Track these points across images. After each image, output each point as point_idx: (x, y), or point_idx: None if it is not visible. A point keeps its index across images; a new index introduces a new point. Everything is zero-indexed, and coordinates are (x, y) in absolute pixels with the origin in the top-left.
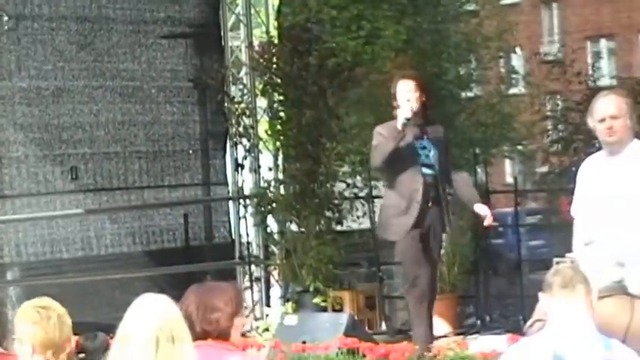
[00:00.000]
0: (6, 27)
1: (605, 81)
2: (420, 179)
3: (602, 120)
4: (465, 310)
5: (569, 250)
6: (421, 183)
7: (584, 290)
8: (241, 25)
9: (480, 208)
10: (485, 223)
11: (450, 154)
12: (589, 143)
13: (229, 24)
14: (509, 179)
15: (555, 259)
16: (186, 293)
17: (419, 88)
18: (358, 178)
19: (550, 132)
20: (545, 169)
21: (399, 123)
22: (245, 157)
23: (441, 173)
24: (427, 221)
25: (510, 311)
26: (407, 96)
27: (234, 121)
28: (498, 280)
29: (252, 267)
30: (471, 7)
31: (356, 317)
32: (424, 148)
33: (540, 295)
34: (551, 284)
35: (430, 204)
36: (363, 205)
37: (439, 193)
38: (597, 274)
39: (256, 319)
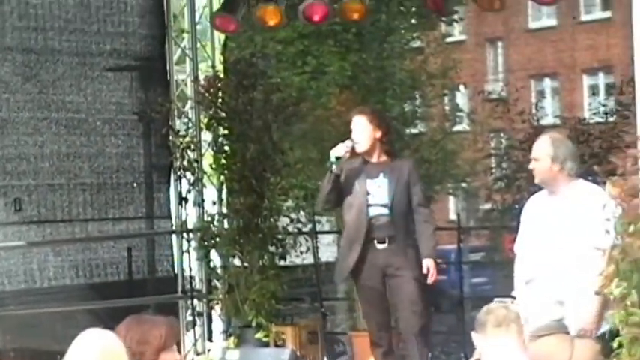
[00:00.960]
0: None
1: (548, 120)
2: (365, 219)
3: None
4: None
5: (512, 288)
6: (365, 223)
7: (517, 329)
8: (187, 59)
9: (427, 264)
10: (428, 281)
11: (417, 189)
12: (532, 182)
13: (175, 57)
14: (453, 216)
15: (496, 299)
16: (119, 325)
17: (373, 124)
18: (302, 213)
19: (493, 170)
20: (488, 206)
21: (329, 162)
22: (189, 191)
23: (395, 212)
24: (380, 262)
25: (452, 348)
26: (356, 133)
27: (178, 155)
28: (441, 316)
29: (195, 301)
30: (416, 44)
31: (298, 352)
32: (379, 187)
33: (473, 334)
34: (484, 323)
35: (384, 244)
36: (306, 240)
37: (396, 232)
38: (537, 313)
39: (198, 354)
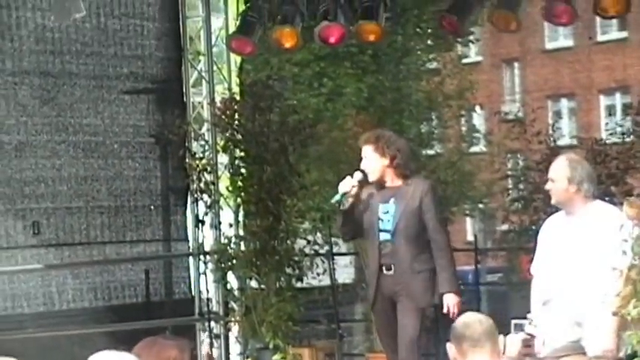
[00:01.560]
0: None
1: (565, 140)
2: (376, 247)
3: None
4: None
5: (529, 309)
6: (377, 251)
7: (491, 348)
8: (203, 82)
9: (446, 301)
10: (445, 311)
11: (431, 215)
12: (549, 202)
13: (191, 80)
14: (470, 237)
15: (513, 321)
16: (135, 347)
17: (378, 152)
18: (319, 235)
19: (510, 191)
20: (505, 227)
21: (335, 198)
22: (206, 214)
23: (399, 238)
24: (387, 289)
25: None
26: (364, 163)
27: (195, 177)
28: None
29: (212, 323)
30: (432, 65)
31: None
32: (386, 212)
33: (448, 345)
34: (460, 339)
35: (390, 271)
36: (323, 262)
37: (400, 259)
38: (555, 334)
39: None
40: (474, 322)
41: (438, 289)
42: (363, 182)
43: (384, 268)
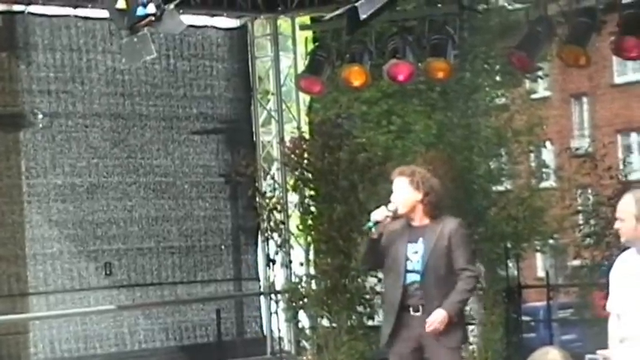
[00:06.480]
0: (41, 125)
1: (636, 175)
2: (400, 286)
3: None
4: None
5: (602, 346)
6: (400, 290)
7: None
8: (273, 121)
9: (436, 315)
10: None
11: (459, 253)
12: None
13: (261, 120)
14: (541, 273)
15: (587, 356)
16: None
17: (413, 185)
18: None
19: (582, 226)
20: (577, 263)
21: (367, 226)
22: (276, 253)
23: (428, 279)
24: (414, 332)
25: None
26: (395, 195)
27: (265, 216)
28: None
29: None
30: (501, 101)
31: None
32: (415, 252)
33: None
34: None
35: (418, 312)
36: None
37: (429, 300)
38: None
39: None
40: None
41: (466, 330)
42: (395, 214)
43: (411, 309)
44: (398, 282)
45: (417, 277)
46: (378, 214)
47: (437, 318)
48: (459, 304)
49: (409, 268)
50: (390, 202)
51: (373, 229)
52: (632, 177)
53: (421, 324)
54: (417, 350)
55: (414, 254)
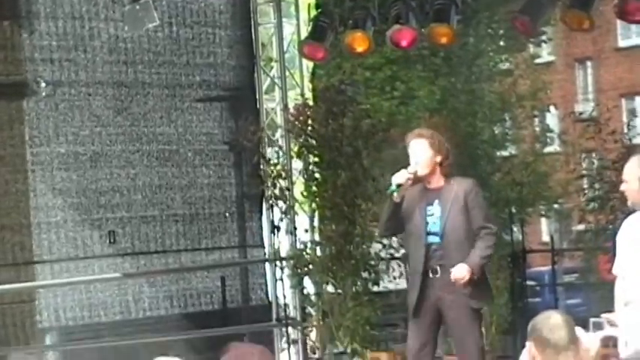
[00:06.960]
0: (43, 93)
1: None
2: (422, 248)
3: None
4: None
5: (606, 309)
6: (423, 253)
7: (574, 351)
8: (276, 88)
9: (458, 270)
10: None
11: (476, 212)
12: (626, 201)
13: (264, 87)
14: (546, 238)
15: (592, 320)
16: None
17: (433, 148)
18: (394, 238)
19: (586, 190)
20: (582, 227)
21: (390, 189)
22: (281, 219)
23: (447, 240)
24: (434, 293)
25: None
26: (415, 157)
27: (269, 184)
28: None
29: (289, 329)
30: (505, 66)
31: None
32: (432, 214)
33: (528, 344)
34: (544, 343)
35: (436, 274)
36: (399, 265)
37: (448, 261)
38: (637, 335)
39: None
40: (559, 326)
41: (490, 290)
42: (415, 176)
43: (430, 272)
44: (420, 244)
45: (435, 239)
46: (400, 177)
47: (460, 271)
48: (481, 260)
49: (428, 230)
50: (408, 165)
51: (395, 193)
52: (637, 140)
53: (439, 286)
54: (435, 323)
55: (431, 217)
